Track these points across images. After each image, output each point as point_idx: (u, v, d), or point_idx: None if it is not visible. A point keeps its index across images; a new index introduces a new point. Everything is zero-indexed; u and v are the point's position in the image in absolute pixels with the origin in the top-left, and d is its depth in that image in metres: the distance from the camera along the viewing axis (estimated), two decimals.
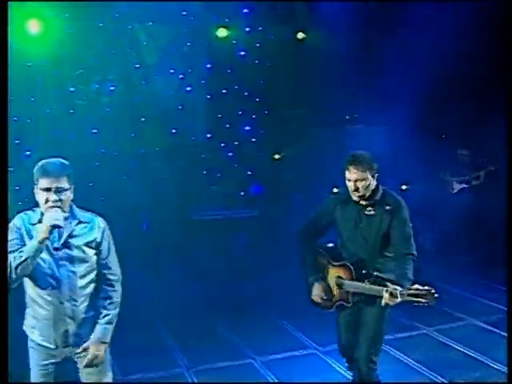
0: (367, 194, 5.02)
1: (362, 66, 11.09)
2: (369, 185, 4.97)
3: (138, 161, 11.34)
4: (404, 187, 10.88)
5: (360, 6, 10.90)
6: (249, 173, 11.83)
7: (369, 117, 11.66)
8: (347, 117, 11.98)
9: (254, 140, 12.05)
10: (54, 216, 3.90)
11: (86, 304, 4.19)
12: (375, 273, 5.05)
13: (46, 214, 3.96)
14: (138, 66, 11.58)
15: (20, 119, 10.63)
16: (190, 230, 10.40)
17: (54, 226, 3.89)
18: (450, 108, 11.41)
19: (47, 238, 3.92)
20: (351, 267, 5.10)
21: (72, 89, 11.17)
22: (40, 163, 4.12)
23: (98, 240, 4.25)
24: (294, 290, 9.33)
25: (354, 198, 5.04)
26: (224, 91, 11.88)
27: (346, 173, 5.03)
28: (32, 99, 10.87)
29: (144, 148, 11.58)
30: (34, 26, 10.45)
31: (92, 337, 4.27)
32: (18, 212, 4.30)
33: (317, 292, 5.27)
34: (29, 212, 4.20)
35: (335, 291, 5.24)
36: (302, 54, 11.70)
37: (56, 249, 4.05)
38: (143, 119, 11.61)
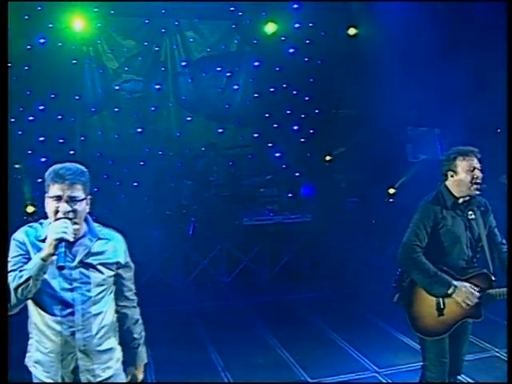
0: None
1: (419, 64, 10.56)
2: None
3: (183, 161, 11.02)
4: None
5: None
6: (297, 174, 11.42)
7: (426, 118, 11.12)
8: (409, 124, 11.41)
9: (302, 140, 11.62)
10: (61, 227, 3.20)
11: (100, 335, 3.51)
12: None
13: (52, 225, 3.24)
14: (184, 63, 11.33)
15: (65, 118, 10.47)
16: (240, 235, 9.98)
17: (61, 240, 3.18)
18: None
19: (52, 254, 3.20)
20: (490, 274, 4.66)
21: (117, 87, 10.99)
22: (52, 167, 3.40)
23: (123, 262, 3.62)
24: (346, 301, 9.45)
25: (474, 191, 4.61)
26: (272, 90, 11.53)
27: (462, 162, 4.62)
28: (76, 97, 10.68)
29: (190, 148, 11.27)
30: (78, 24, 10.31)
31: (137, 362, 3.84)
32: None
33: (466, 293, 4.53)
34: (35, 225, 3.48)
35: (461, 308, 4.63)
36: (354, 51, 11.17)
37: (61, 268, 3.22)
38: (189, 118, 11.37)
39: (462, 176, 4.61)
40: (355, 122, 11.52)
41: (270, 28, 11.32)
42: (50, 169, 3.40)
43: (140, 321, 3.83)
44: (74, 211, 3.32)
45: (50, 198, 3.33)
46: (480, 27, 10.05)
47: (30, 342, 3.56)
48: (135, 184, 10.58)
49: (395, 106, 10.76)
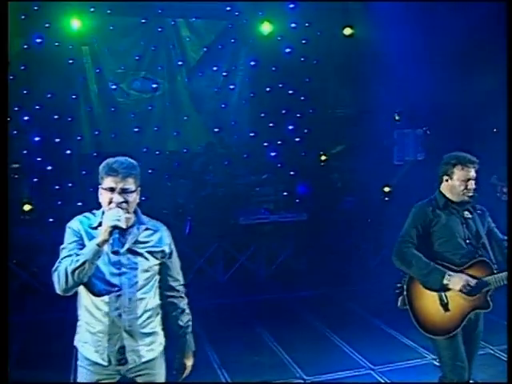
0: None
1: (414, 64, 10.62)
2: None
3: (180, 160, 11.05)
4: None
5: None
6: (292, 173, 11.47)
7: (418, 118, 11.19)
8: (397, 117, 11.44)
9: (297, 139, 11.66)
10: (115, 216, 3.46)
11: (144, 318, 3.74)
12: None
13: (106, 214, 3.53)
14: (180, 63, 11.42)
15: (61, 118, 10.50)
16: (236, 234, 10.03)
17: (115, 227, 3.45)
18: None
19: (107, 241, 3.48)
20: (488, 261, 4.62)
21: (113, 86, 11.02)
22: (106, 161, 3.66)
23: (167, 251, 3.83)
24: (342, 300, 9.49)
25: (465, 198, 4.68)
26: (268, 89, 11.56)
27: (460, 171, 4.65)
28: (73, 97, 10.72)
29: (186, 147, 11.32)
30: (75, 23, 10.37)
31: (185, 350, 4.00)
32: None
33: (461, 281, 4.49)
34: (88, 214, 3.76)
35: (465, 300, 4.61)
36: (349, 51, 11.23)
37: (116, 252, 3.62)
38: (186, 118, 11.41)
39: (456, 183, 4.66)
40: (350, 121, 11.58)
41: (267, 28, 11.40)
42: (104, 163, 3.65)
43: (187, 310, 4.00)
44: (126, 202, 3.58)
45: (104, 189, 3.59)
46: (476, 27, 10.08)
47: (79, 323, 3.79)
48: None
49: (389, 106, 10.87)
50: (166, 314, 3.93)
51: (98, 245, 3.45)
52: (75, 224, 3.70)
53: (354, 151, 11.41)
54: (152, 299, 3.80)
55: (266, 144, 11.58)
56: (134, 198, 3.64)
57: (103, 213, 3.66)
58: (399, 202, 10.71)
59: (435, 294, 4.62)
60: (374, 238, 10.49)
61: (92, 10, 10.38)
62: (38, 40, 10.15)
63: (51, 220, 10.16)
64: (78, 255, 3.47)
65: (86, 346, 3.74)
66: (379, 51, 10.55)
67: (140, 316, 3.72)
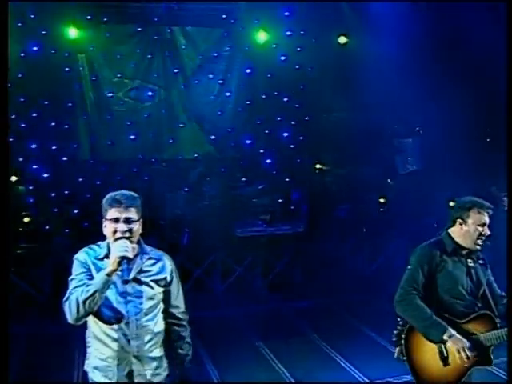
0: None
1: (408, 71, 10.71)
2: None
3: (177, 169, 11.11)
4: (452, 204, 10.46)
5: (405, 9, 10.57)
6: (287, 179, 11.56)
7: (414, 126, 11.30)
8: (395, 127, 11.56)
9: (292, 146, 11.74)
10: (123, 247, 3.64)
11: (151, 343, 3.90)
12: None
13: (114, 245, 3.70)
14: (176, 70, 11.37)
15: (58, 125, 10.53)
16: (233, 245, 10.08)
17: (123, 258, 3.62)
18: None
19: (116, 271, 3.65)
20: (491, 315, 4.51)
21: (110, 94, 11.03)
22: (109, 194, 3.88)
23: (169, 279, 3.98)
24: (338, 311, 9.54)
25: (477, 246, 4.58)
26: (263, 97, 11.64)
27: (475, 215, 4.55)
28: (69, 104, 10.73)
29: (182, 154, 11.37)
30: (71, 32, 10.39)
31: (183, 378, 4.11)
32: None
33: (459, 345, 4.34)
34: (94, 247, 3.93)
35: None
36: (344, 59, 11.32)
37: (126, 282, 3.77)
38: (182, 125, 11.43)
39: (472, 228, 4.53)
40: (345, 127, 11.65)
41: (262, 35, 11.42)
42: (107, 196, 3.88)
43: (187, 339, 4.13)
44: (130, 230, 3.77)
45: (109, 220, 3.80)
46: (471, 34, 10.18)
47: (89, 350, 3.96)
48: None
49: (383, 113, 10.95)
50: (167, 341, 4.06)
51: (107, 275, 3.62)
52: (82, 256, 3.87)
53: (349, 158, 11.56)
54: (157, 325, 3.95)
55: (261, 151, 11.65)
56: (137, 227, 3.82)
57: (108, 244, 3.85)
58: (394, 210, 10.91)
59: (435, 346, 4.47)
60: (369, 248, 10.63)
61: (88, 18, 10.37)
62: (35, 48, 10.17)
63: (47, 227, 10.25)
64: (88, 286, 3.63)
65: (95, 371, 3.89)
66: (373, 60, 10.67)
67: (147, 342, 3.87)
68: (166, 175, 10.96)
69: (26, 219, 9.80)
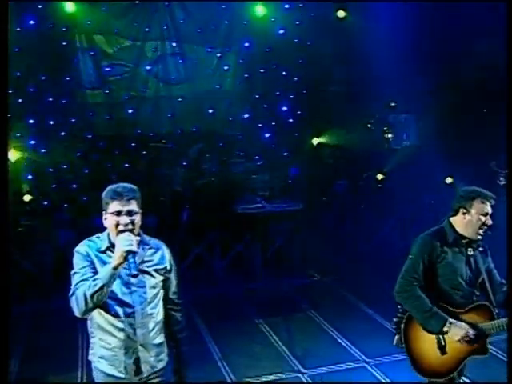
0: None
1: (405, 47, 10.66)
2: None
3: (175, 144, 11.10)
4: (449, 180, 10.55)
5: None
6: (285, 153, 11.59)
7: (411, 103, 11.29)
8: (392, 104, 11.52)
9: (291, 120, 11.74)
10: (128, 241, 3.67)
11: (155, 331, 4.01)
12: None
13: (119, 239, 3.72)
14: (174, 44, 11.29)
15: (56, 100, 10.48)
16: (233, 222, 10.03)
17: (129, 252, 3.66)
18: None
19: (122, 264, 3.68)
20: (488, 305, 4.54)
21: (107, 69, 10.97)
22: (109, 187, 3.89)
23: (168, 268, 4.06)
24: (336, 288, 9.52)
25: (478, 236, 4.58)
26: (262, 70, 11.60)
27: (479, 205, 4.53)
28: (67, 79, 10.68)
29: (181, 128, 11.38)
30: (68, 5, 10.32)
31: (178, 362, 4.19)
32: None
33: (461, 331, 4.42)
34: (94, 239, 3.96)
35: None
36: (342, 33, 11.25)
37: (134, 275, 3.79)
38: (180, 99, 11.39)
39: (474, 218, 4.53)
40: (343, 101, 11.63)
41: (260, 9, 11.34)
42: (107, 189, 3.88)
43: (183, 323, 4.23)
44: (132, 223, 3.80)
45: (111, 213, 3.82)
46: (469, 13, 10.12)
47: (93, 340, 4.02)
48: (127, 165, 10.73)
49: (381, 88, 10.92)
50: (165, 326, 4.14)
51: (113, 268, 3.66)
52: (83, 249, 3.90)
53: (346, 132, 11.58)
54: (160, 313, 4.07)
55: (260, 125, 11.65)
56: (138, 219, 3.85)
57: (108, 236, 3.90)
58: (392, 186, 10.96)
59: (433, 336, 4.51)
60: (367, 225, 10.71)
61: None
62: (31, 22, 10.08)
63: (46, 203, 10.27)
64: (94, 280, 3.67)
65: (101, 360, 3.98)
66: (371, 34, 10.62)
67: (152, 329, 3.98)
68: (166, 151, 10.96)
69: (27, 196, 9.79)
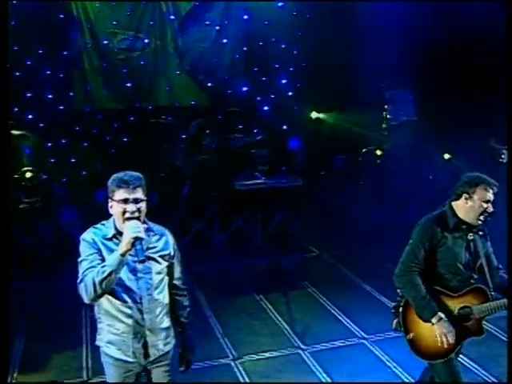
0: None
1: (406, 22, 10.58)
2: None
3: (173, 115, 11.05)
4: (447, 156, 10.57)
5: None
6: (284, 127, 11.57)
7: (408, 78, 11.26)
8: (389, 82, 11.48)
9: (290, 94, 11.69)
10: (136, 228, 3.75)
11: (161, 315, 4.11)
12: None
13: (127, 226, 3.79)
14: (173, 17, 11.19)
15: (54, 73, 10.42)
16: (233, 197, 10.07)
17: (137, 238, 3.74)
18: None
19: (130, 251, 3.76)
20: (484, 288, 4.61)
21: (105, 42, 10.89)
22: (115, 175, 3.94)
23: (172, 253, 4.15)
24: (335, 263, 9.50)
25: (479, 222, 4.62)
26: (261, 43, 11.52)
27: (482, 191, 4.57)
28: (65, 53, 10.60)
29: (179, 101, 11.34)
30: None
31: (187, 345, 4.35)
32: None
33: (442, 330, 4.48)
34: (99, 226, 4.04)
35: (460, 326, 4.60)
36: (342, 6, 11.08)
37: (142, 261, 3.90)
38: (178, 72, 11.35)
39: (477, 204, 4.57)
40: (342, 76, 11.57)
41: None
42: (113, 176, 3.93)
43: (189, 308, 4.34)
44: (139, 210, 3.87)
45: (117, 201, 3.88)
46: None
47: (101, 326, 4.11)
48: (125, 139, 10.73)
49: (381, 62, 10.88)
50: (171, 311, 4.23)
51: (121, 255, 3.73)
52: (90, 236, 3.97)
53: (345, 106, 11.56)
54: (165, 297, 4.15)
55: (259, 98, 11.60)
56: (144, 206, 3.91)
57: (114, 223, 3.97)
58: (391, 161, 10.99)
59: None
60: (366, 200, 10.76)
61: None
62: None
63: (45, 177, 10.28)
64: (103, 267, 3.75)
65: (109, 346, 4.08)
66: (371, 7, 10.59)
67: (158, 314, 4.07)
68: (165, 126, 10.92)
69: (27, 173, 9.78)
